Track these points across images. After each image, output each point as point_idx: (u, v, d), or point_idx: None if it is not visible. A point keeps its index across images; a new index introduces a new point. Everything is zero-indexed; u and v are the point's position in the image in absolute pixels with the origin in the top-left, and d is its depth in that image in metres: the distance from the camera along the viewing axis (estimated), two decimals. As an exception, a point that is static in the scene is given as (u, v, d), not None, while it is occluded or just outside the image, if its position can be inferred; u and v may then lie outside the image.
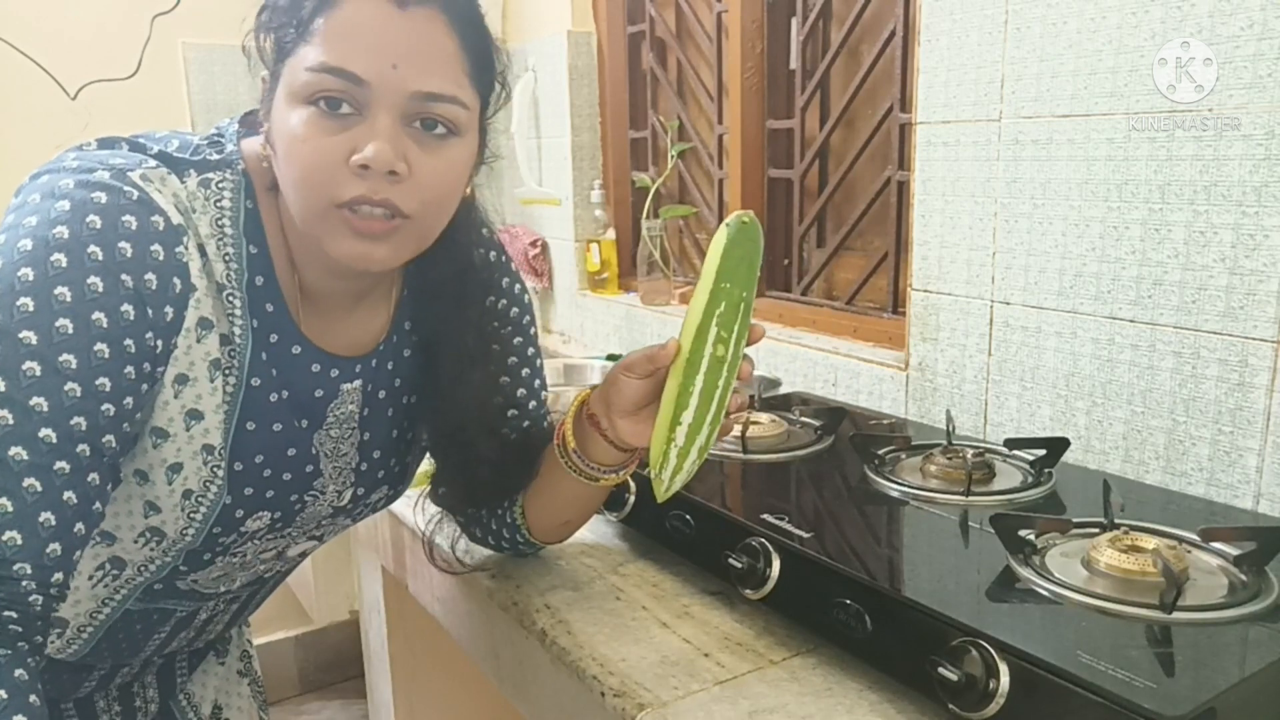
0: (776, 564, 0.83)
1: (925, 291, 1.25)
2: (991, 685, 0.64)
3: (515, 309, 0.92)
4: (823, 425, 1.15)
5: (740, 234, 0.75)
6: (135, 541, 0.74)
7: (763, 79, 1.69)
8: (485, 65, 0.73)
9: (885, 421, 1.22)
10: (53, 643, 0.78)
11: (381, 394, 0.83)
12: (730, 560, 0.86)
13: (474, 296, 0.85)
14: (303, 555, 0.88)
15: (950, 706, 0.67)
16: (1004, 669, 0.64)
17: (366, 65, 0.66)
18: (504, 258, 0.91)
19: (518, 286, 0.92)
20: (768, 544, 0.84)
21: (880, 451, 1.03)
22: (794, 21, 1.64)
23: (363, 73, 0.66)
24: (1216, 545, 0.79)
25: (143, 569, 0.76)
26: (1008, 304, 1.14)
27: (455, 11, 0.70)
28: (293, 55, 0.68)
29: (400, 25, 0.67)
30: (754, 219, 0.76)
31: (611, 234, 2.10)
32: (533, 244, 2.25)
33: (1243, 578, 0.74)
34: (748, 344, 0.78)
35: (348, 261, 0.70)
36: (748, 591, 0.85)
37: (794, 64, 1.66)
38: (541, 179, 2.24)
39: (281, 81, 0.69)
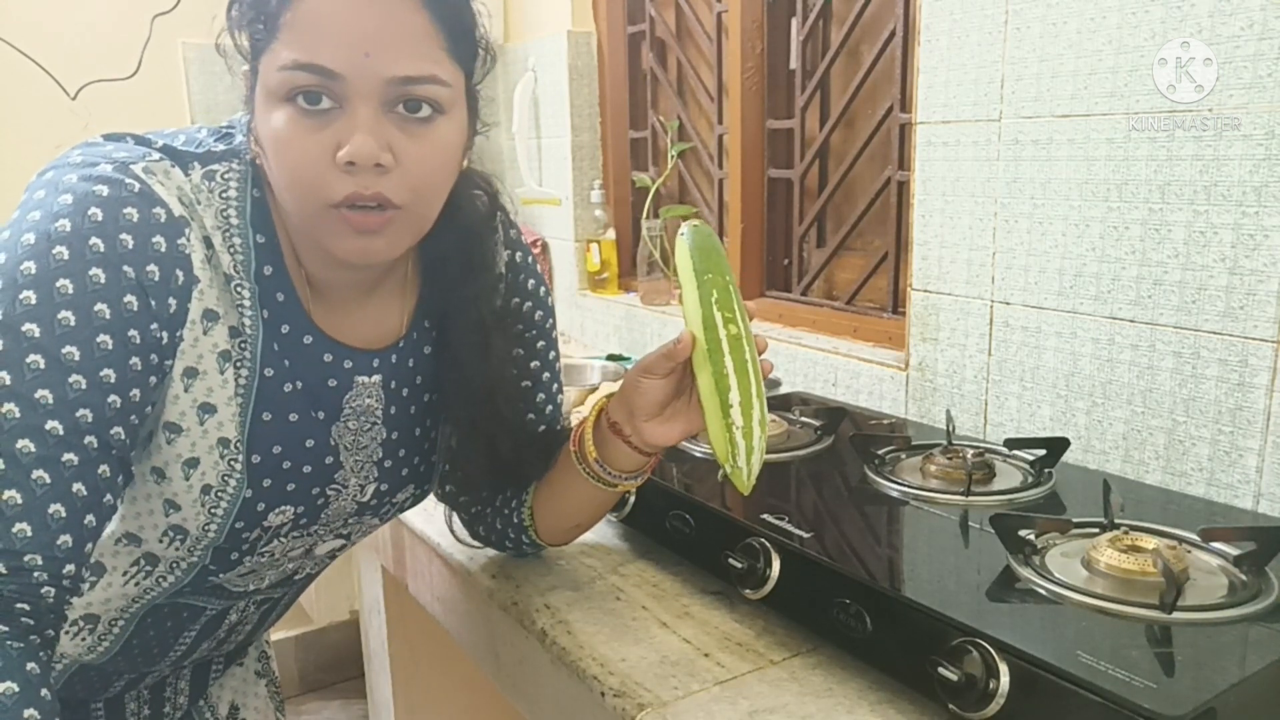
0: (776, 564, 0.83)
1: (925, 291, 1.25)
2: (991, 685, 0.65)
3: (539, 312, 0.92)
4: (823, 425, 1.15)
5: (695, 232, 0.80)
6: (160, 541, 0.74)
7: (763, 79, 1.69)
8: (463, 35, 0.70)
9: (885, 421, 1.22)
10: (83, 640, 0.78)
11: (405, 391, 0.83)
12: (730, 560, 0.86)
13: (483, 267, 0.84)
14: (332, 555, 0.88)
15: (950, 706, 0.67)
16: (1004, 669, 0.64)
17: (338, 57, 0.64)
18: (529, 259, 0.91)
19: (542, 289, 0.92)
20: (768, 544, 0.85)
21: (880, 451, 1.04)
22: (794, 21, 1.64)
23: (335, 65, 0.64)
24: (1216, 545, 0.79)
25: (174, 566, 0.76)
26: (1008, 304, 1.14)
27: None
28: (266, 52, 0.66)
29: (368, 10, 0.64)
30: (702, 222, 0.82)
31: (611, 234, 2.10)
32: (533, 244, 2.24)
33: (1243, 578, 0.74)
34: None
35: (349, 258, 0.70)
36: (748, 591, 0.85)
37: (794, 64, 1.66)
38: (541, 179, 2.24)
39: (259, 80, 0.68)
